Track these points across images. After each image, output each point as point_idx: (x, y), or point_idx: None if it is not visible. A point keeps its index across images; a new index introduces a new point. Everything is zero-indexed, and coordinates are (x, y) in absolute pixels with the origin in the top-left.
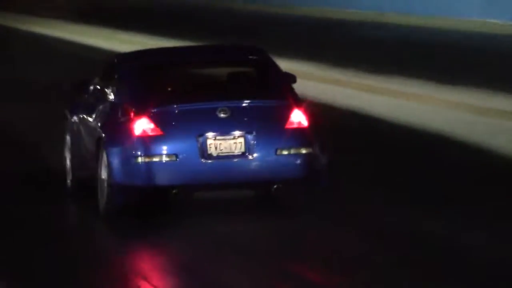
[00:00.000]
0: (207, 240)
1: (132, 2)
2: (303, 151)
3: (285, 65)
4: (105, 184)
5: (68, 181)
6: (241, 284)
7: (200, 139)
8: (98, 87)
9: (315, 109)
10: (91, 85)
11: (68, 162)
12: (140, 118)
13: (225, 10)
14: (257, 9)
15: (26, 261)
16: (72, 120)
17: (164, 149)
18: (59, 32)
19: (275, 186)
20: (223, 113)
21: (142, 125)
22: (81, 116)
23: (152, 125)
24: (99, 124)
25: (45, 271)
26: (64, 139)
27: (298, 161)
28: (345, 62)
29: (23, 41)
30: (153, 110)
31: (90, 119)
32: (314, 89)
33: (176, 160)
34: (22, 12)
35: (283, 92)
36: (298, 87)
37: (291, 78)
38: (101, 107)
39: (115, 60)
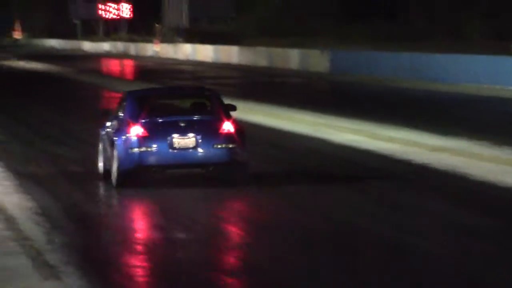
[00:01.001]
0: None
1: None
2: (230, 146)
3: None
4: (115, 169)
5: (100, 170)
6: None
7: (169, 138)
8: (116, 111)
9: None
10: (113, 111)
11: (101, 159)
12: (134, 126)
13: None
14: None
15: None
16: (102, 133)
17: (148, 144)
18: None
19: (211, 167)
20: (182, 123)
21: (135, 130)
22: (107, 131)
23: (142, 130)
24: (113, 132)
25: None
26: (98, 146)
27: (226, 152)
28: (503, 139)
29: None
30: (142, 121)
31: (110, 131)
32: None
33: (155, 150)
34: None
35: (219, 112)
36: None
37: (232, 107)
38: (115, 122)
39: (125, 94)
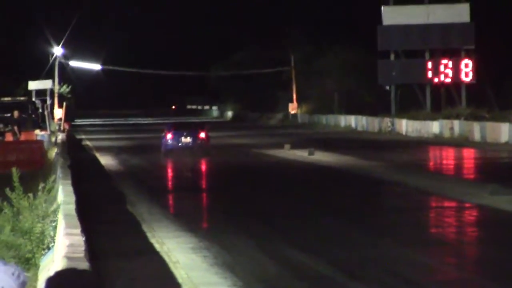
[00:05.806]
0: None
1: None
2: (203, 142)
3: None
4: (162, 150)
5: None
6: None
7: (180, 139)
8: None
9: None
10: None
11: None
12: (168, 133)
13: None
14: None
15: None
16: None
17: (173, 141)
18: None
19: (195, 149)
20: (185, 133)
21: (168, 136)
22: (161, 136)
23: (171, 135)
24: (162, 136)
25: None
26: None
27: (202, 144)
28: None
29: None
30: (171, 131)
31: (161, 136)
32: None
33: (175, 143)
34: None
35: (201, 128)
36: None
37: (207, 125)
38: (163, 133)
39: (167, 123)
